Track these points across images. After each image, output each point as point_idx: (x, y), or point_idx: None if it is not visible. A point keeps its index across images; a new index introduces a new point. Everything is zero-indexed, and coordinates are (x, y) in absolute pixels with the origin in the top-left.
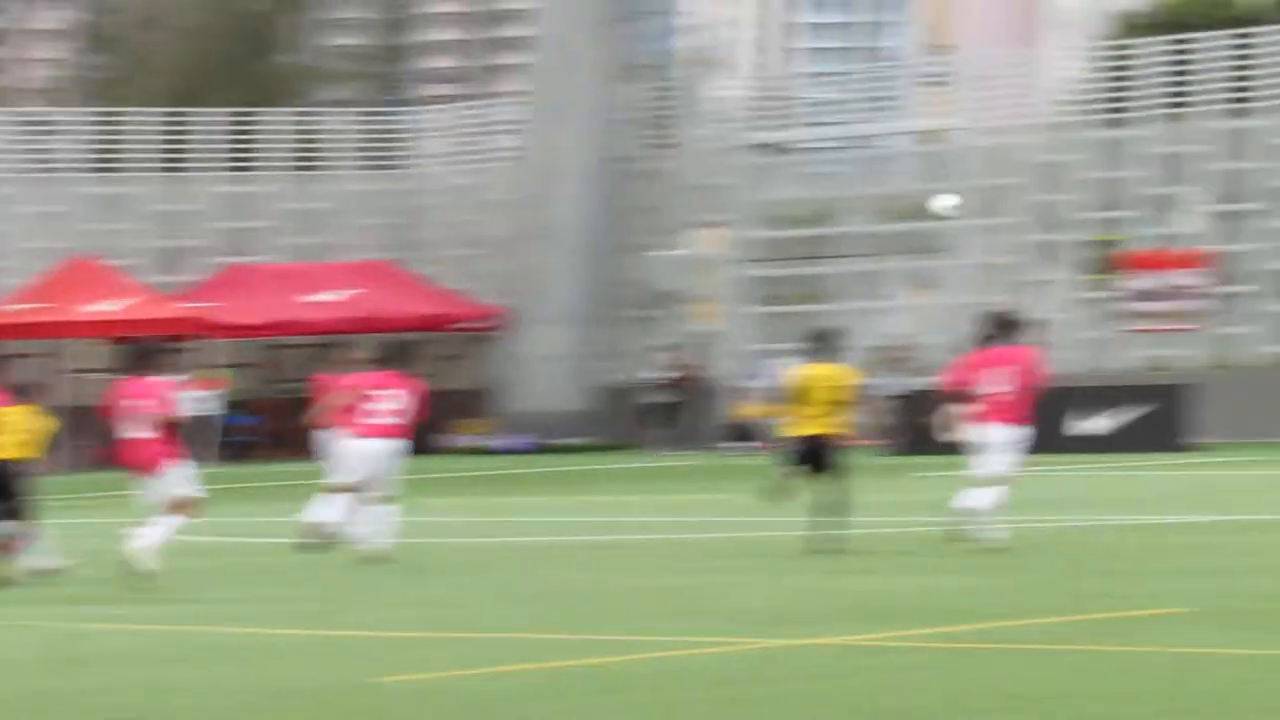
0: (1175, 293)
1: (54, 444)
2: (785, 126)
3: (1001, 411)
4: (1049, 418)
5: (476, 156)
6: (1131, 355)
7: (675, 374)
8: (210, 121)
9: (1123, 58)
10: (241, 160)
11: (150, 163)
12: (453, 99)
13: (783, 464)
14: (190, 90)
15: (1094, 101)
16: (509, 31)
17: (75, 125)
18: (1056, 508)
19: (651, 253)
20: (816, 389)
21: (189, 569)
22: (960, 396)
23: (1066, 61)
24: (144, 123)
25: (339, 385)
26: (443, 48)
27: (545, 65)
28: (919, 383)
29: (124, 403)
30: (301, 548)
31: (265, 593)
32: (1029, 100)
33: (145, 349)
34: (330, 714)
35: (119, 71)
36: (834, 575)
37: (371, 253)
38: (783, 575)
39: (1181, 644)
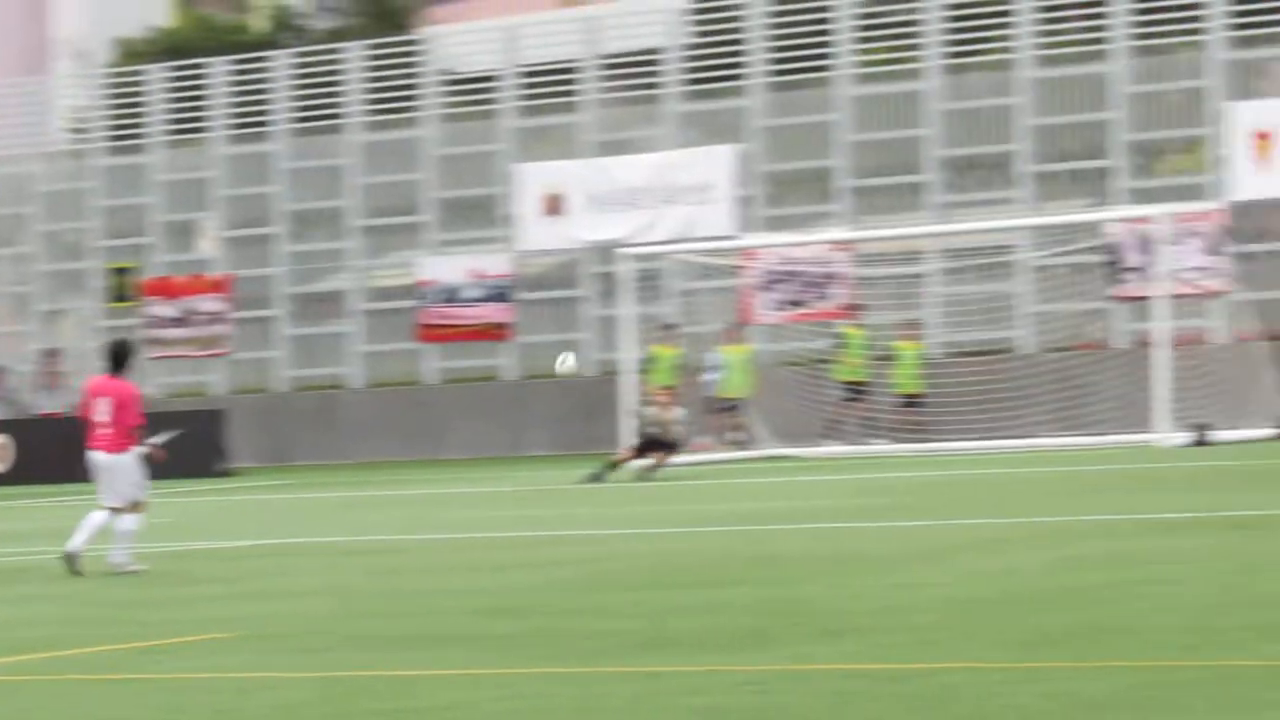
0: (197, 318)
1: None
2: None
3: (104, 441)
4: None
5: None
6: (162, 382)
7: None
8: None
9: (131, 85)
10: None
11: None
12: None
13: None
14: None
15: (104, 129)
16: None
17: None
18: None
19: None
20: None
21: None
22: (90, 424)
23: (76, 89)
24: None
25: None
26: None
27: None
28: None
29: None
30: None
31: None
32: (40, 128)
33: None
34: None
35: None
36: None
37: None
38: None
39: (220, 669)
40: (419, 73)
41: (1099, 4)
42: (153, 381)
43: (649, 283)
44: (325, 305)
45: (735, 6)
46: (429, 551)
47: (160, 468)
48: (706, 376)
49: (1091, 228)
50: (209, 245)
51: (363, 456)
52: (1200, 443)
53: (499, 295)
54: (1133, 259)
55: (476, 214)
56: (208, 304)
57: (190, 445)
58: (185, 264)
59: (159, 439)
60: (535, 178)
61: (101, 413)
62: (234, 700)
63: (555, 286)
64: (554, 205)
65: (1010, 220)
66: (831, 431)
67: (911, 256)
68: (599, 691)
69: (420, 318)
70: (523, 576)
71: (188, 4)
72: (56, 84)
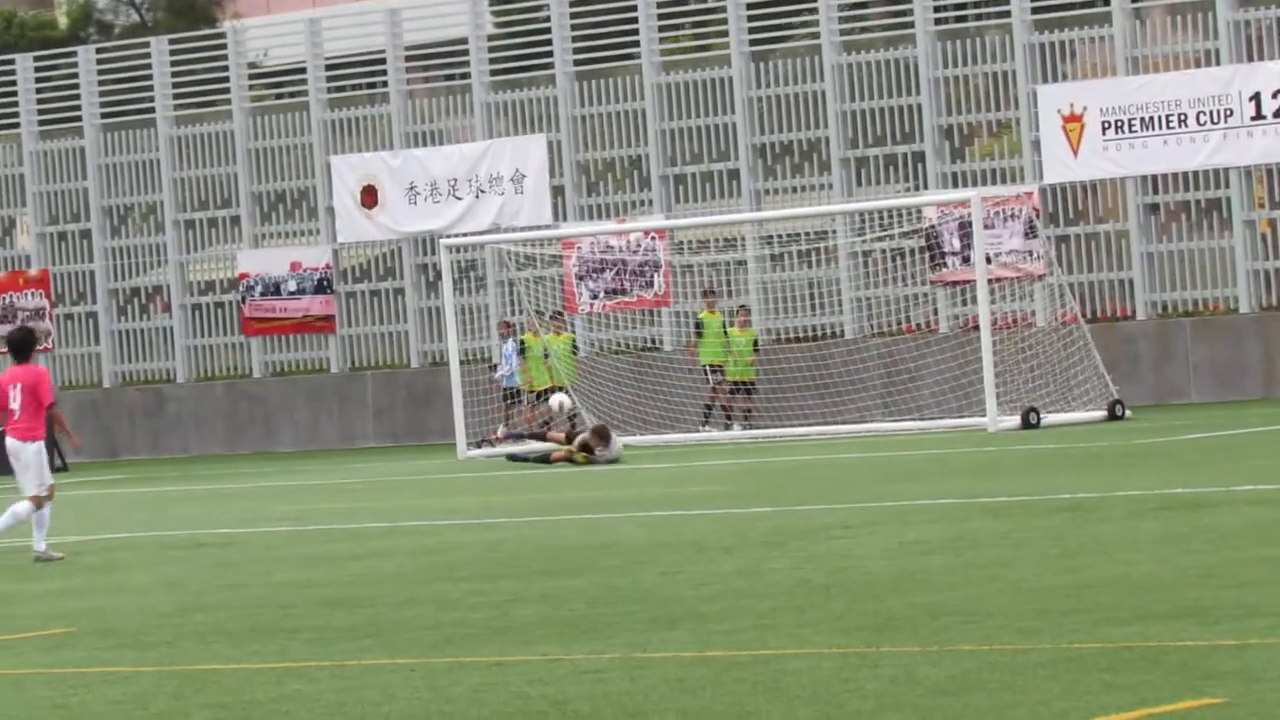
0: (18, 315)
1: None
2: None
3: (16, 428)
4: None
5: None
6: None
7: None
8: None
9: None
10: None
11: None
12: None
13: None
14: None
15: None
16: None
17: None
18: None
19: None
20: None
21: None
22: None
23: None
24: None
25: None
26: None
27: None
28: None
29: None
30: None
31: None
32: None
33: None
34: None
35: None
36: None
37: None
38: None
39: (61, 664)
40: (225, 66)
41: None
42: None
43: (470, 273)
44: (146, 300)
45: None
46: (264, 544)
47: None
48: (502, 368)
49: (908, 212)
50: (26, 241)
51: (193, 450)
52: (1028, 425)
53: (320, 287)
54: (951, 243)
55: (293, 207)
56: (28, 300)
57: None
58: (3, 260)
59: None
60: (349, 170)
61: (14, 401)
62: (75, 695)
63: (376, 278)
64: (370, 197)
65: (826, 206)
66: (710, 416)
67: (730, 243)
68: (440, 683)
69: (243, 311)
70: (361, 568)
71: None
72: None
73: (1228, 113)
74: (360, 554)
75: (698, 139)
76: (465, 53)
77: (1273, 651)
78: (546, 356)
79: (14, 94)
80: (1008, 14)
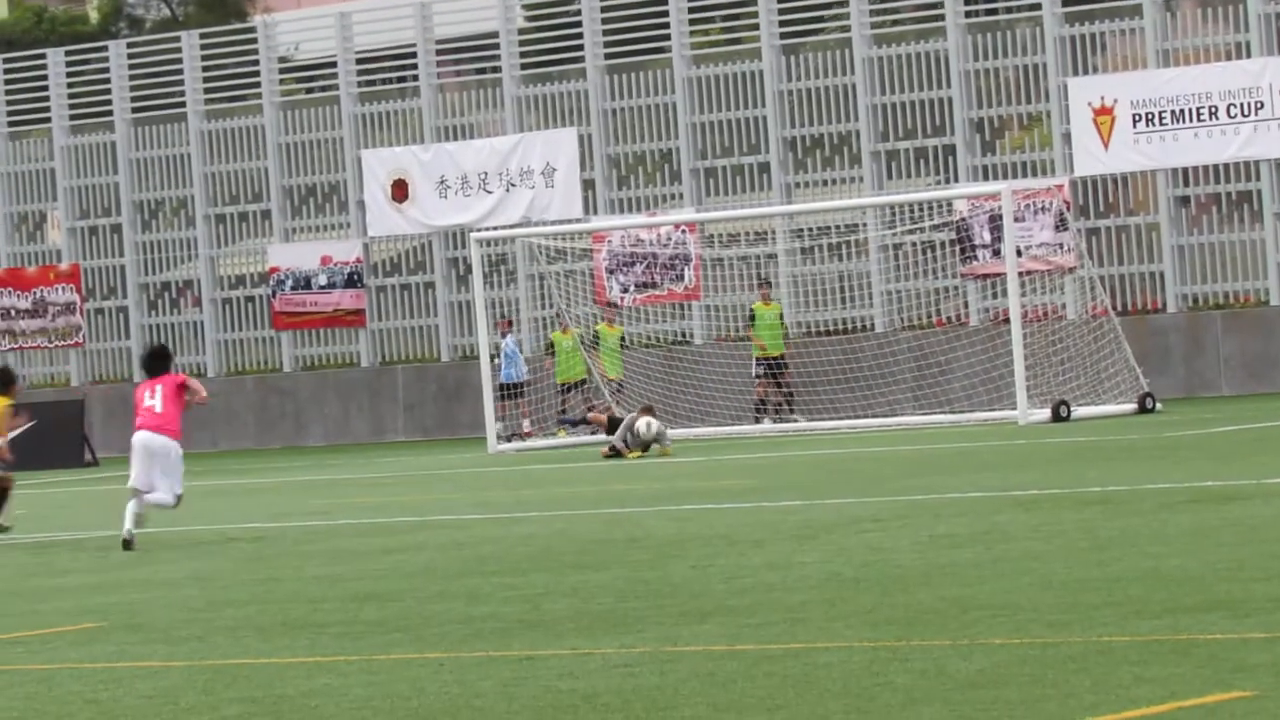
0: (50, 309)
1: None
2: None
3: (150, 422)
4: None
5: None
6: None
7: None
8: None
9: None
10: None
11: None
12: None
13: None
14: None
15: None
16: None
17: None
18: None
19: None
20: None
21: None
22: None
23: None
24: None
25: None
26: None
27: None
28: None
29: None
30: None
31: None
32: None
33: None
34: None
35: None
36: None
37: None
38: None
39: (92, 659)
40: (255, 60)
41: None
42: None
43: (500, 267)
44: (177, 294)
45: None
46: (295, 539)
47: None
48: (503, 365)
49: (939, 205)
50: (57, 236)
51: (223, 445)
52: (1059, 418)
53: (351, 281)
54: (982, 236)
55: (324, 201)
56: (59, 295)
57: (53, 436)
58: (34, 255)
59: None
60: (379, 164)
61: (151, 398)
62: (106, 690)
63: (406, 272)
64: (400, 191)
65: (857, 199)
66: (760, 411)
67: (761, 236)
68: (470, 677)
69: (273, 305)
70: (391, 562)
71: None
72: None
73: (1258, 105)
74: (390, 548)
75: (728, 132)
76: (496, 46)
77: None
78: (596, 344)
79: (45, 89)
80: (1038, 7)
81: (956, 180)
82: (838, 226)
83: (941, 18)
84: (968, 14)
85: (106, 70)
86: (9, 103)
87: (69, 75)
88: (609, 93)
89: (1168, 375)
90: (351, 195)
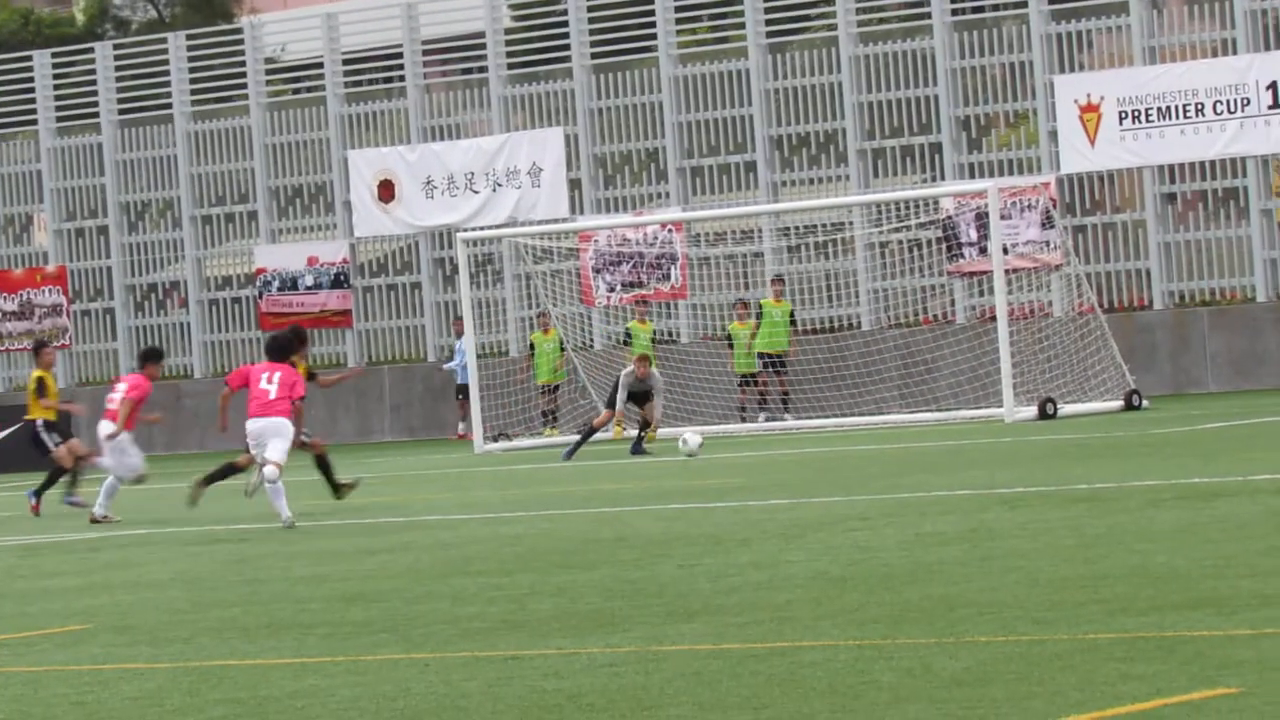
0: (36, 311)
1: None
2: None
3: (269, 407)
4: None
5: None
6: (3, 375)
7: None
8: None
9: None
10: None
11: None
12: None
13: None
14: None
15: None
16: None
17: None
18: None
19: None
20: None
21: None
22: None
23: None
24: None
25: None
26: None
27: None
28: None
29: None
30: None
31: None
32: None
33: None
34: None
35: None
36: None
37: None
38: None
39: (78, 661)
40: (242, 61)
41: None
42: None
43: (486, 266)
44: (163, 295)
45: None
46: (282, 540)
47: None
48: (452, 364)
49: (925, 203)
50: (44, 238)
51: (210, 446)
52: (1045, 416)
53: (337, 282)
54: (968, 234)
55: (310, 201)
56: (45, 297)
57: (24, 440)
58: (20, 257)
59: None
60: (366, 164)
61: (266, 382)
62: (92, 692)
63: (393, 272)
64: (387, 191)
65: (843, 198)
66: (763, 407)
67: (747, 235)
68: (455, 677)
69: (260, 306)
70: (378, 563)
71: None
72: None
73: (1244, 102)
74: (377, 549)
75: (715, 131)
76: (482, 46)
77: None
78: (628, 341)
79: (31, 91)
80: (1025, 4)
81: (943, 178)
82: (824, 225)
83: (928, 15)
84: (954, 12)
85: (93, 72)
86: None
87: (55, 77)
88: (595, 92)
89: (1154, 372)
90: (338, 196)
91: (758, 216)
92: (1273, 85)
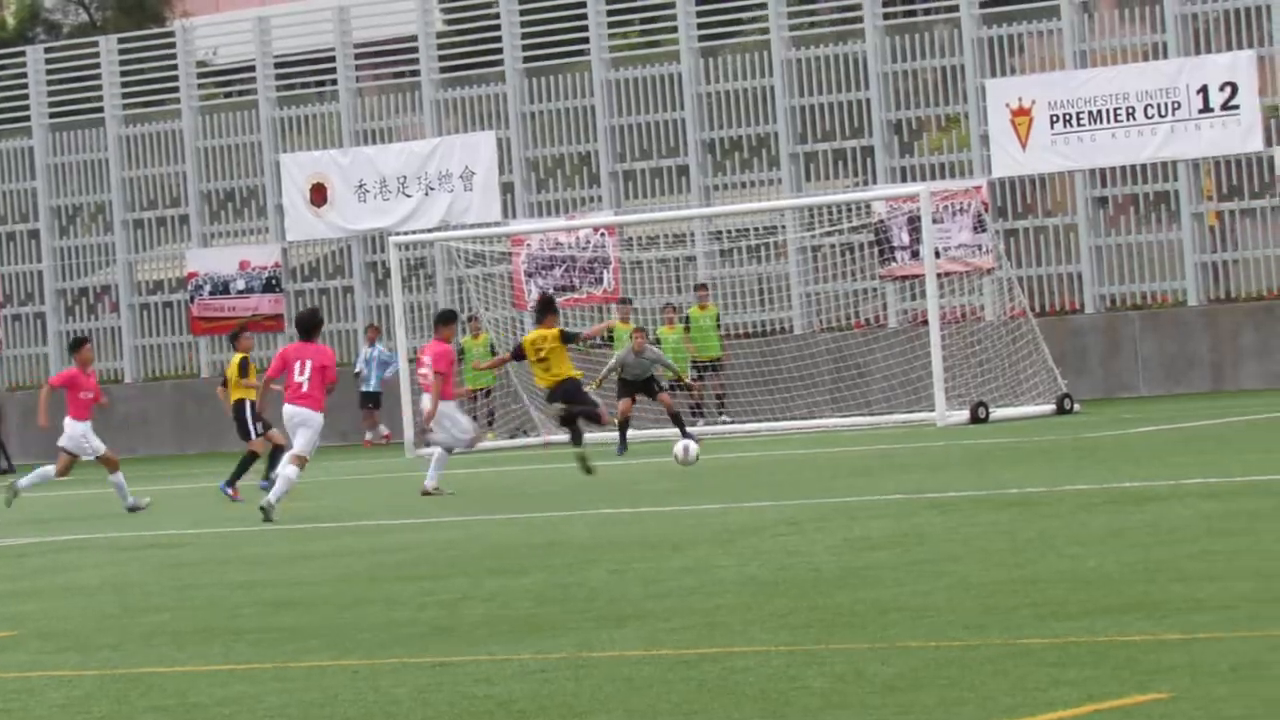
0: None
1: None
2: None
3: (304, 398)
4: None
5: None
6: None
7: None
8: None
9: None
10: None
11: None
12: None
13: None
14: None
15: None
16: None
17: None
18: None
19: None
20: None
21: None
22: None
23: None
24: None
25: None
26: None
27: None
28: None
29: None
30: None
31: None
32: None
33: None
34: None
35: None
36: None
37: None
38: None
39: (5, 668)
40: (174, 65)
41: None
42: None
43: (419, 271)
44: (94, 300)
45: None
46: (212, 545)
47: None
48: (363, 369)
49: (857, 207)
50: None
51: (141, 451)
52: (977, 420)
53: (269, 286)
54: (900, 237)
55: (242, 205)
56: None
57: None
58: None
59: None
60: (298, 168)
61: (300, 374)
62: (18, 700)
63: (325, 276)
64: (319, 195)
65: (775, 201)
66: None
67: (680, 239)
68: (384, 684)
69: (192, 310)
70: (309, 569)
71: None
72: None
73: (1175, 105)
74: (309, 554)
75: (647, 135)
76: (414, 50)
77: (1219, 646)
78: (688, 327)
79: None
80: (956, 8)
81: (875, 182)
82: (756, 229)
83: (860, 19)
84: (886, 15)
85: (24, 75)
86: None
87: None
88: (528, 95)
89: (1086, 376)
90: (270, 199)
91: (690, 220)
92: (1203, 89)
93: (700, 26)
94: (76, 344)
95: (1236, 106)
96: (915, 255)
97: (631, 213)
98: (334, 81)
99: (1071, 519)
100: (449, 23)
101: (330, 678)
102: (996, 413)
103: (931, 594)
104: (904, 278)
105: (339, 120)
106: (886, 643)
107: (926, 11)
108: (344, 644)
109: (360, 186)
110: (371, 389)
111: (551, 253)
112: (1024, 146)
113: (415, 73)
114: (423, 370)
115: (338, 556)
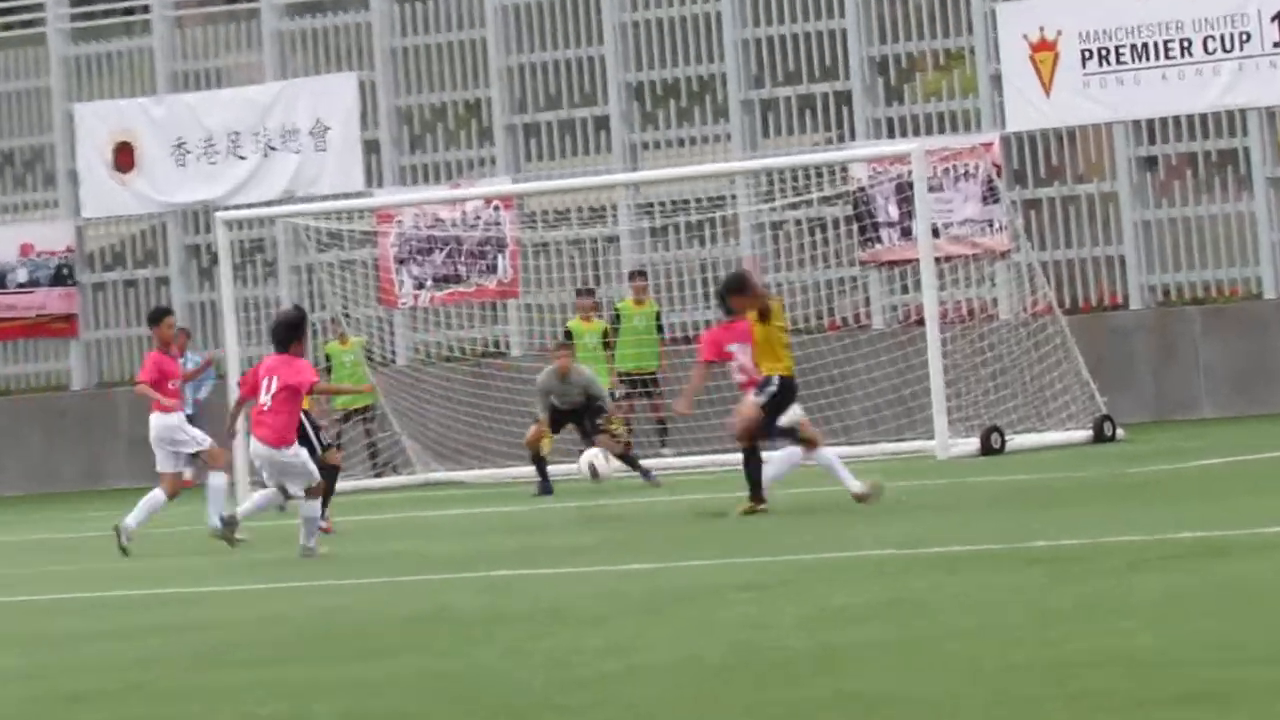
0: None
1: None
2: None
3: (265, 428)
4: None
5: None
6: None
7: None
8: None
9: None
10: None
11: None
12: None
13: None
14: None
15: None
16: None
17: None
18: None
19: None
20: None
21: None
22: None
23: None
24: None
25: None
26: None
27: None
28: None
29: None
30: None
31: None
32: None
33: None
34: None
35: None
36: None
37: None
38: None
39: None
40: None
41: None
42: None
43: (256, 257)
44: None
45: None
46: None
47: None
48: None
49: (830, 171)
50: None
51: None
52: (990, 450)
53: (59, 278)
54: (887, 211)
55: (24, 171)
56: None
57: None
58: None
59: None
60: (98, 121)
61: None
62: None
63: (133, 264)
64: (125, 157)
65: (723, 164)
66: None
67: (598, 214)
68: None
69: None
70: (114, 650)
71: None
72: None
73: (1245, 37)
74: (108, 631)
75: (555, 77)
76: None
77: None
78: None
79: None
80: None
81: (853, 138)
82: (699, 200)
83: None
84: None
85: None
86: None
87: None
88: (398, 26)
89: (1132, 392)
90: (61, 163)
91: (612, 189)
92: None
93: None
94: (157, 316)
95: None
96: (906, 234)
97: (534, 179)
98: (145, 9)
99: (1116, 581)
100: None
101: None
102: (1015, 441)
103: (933, 682)
104: (892, 264)
105: (152, 59)
106: None
107: None
108: None
109: (179, 146)
110: (186, 412)
111: (430, 232)
112: (1047, 91)
113: None
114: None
115: (147, 634)
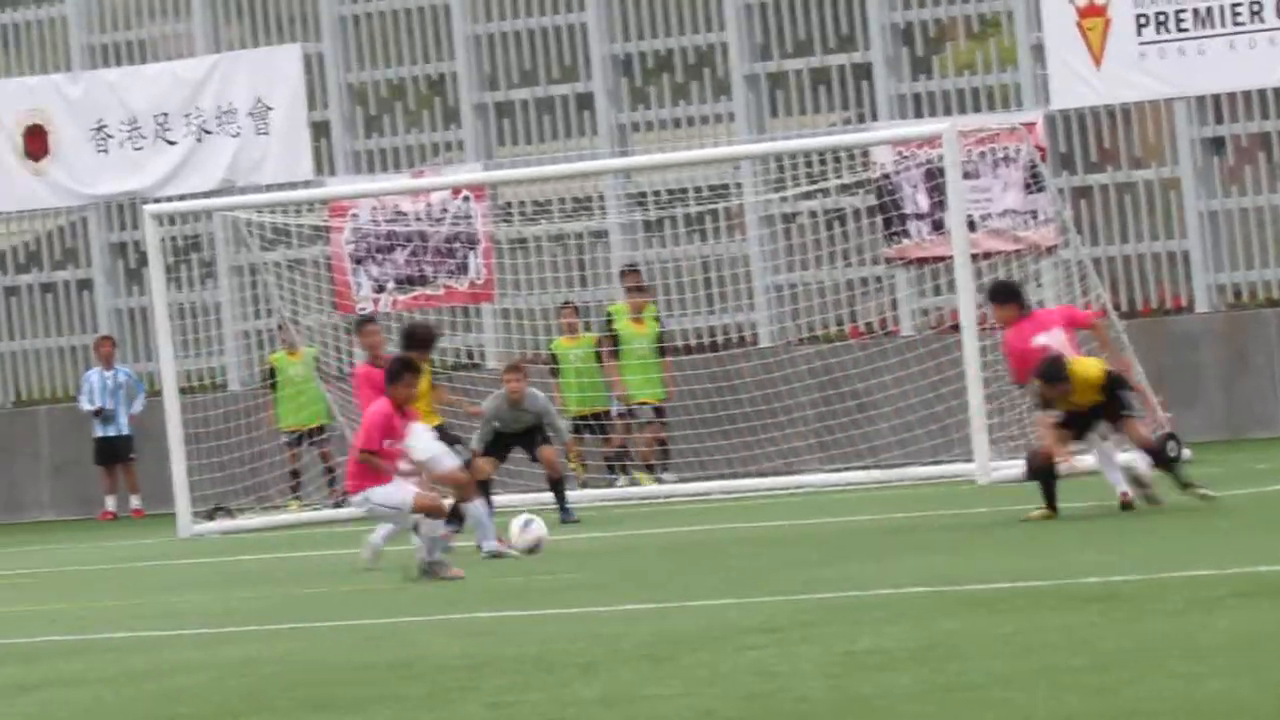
0: None
1: None
2: None
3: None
4: None
5: None
6: None
7: None
8: None
9: None
10: None
11: None
12: None
13: None
14: None
15: None
16: None
17: None
18: None
19: None
20: None
21: None
22: None
23: None
24: None
25: None
26: None
27: None
28: None
29: None
30: None
31: None
32: None
33: None
34: None
35: None
36: None
37: None
38: None
39: None
40: None
41: None
42: None
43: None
44: None
45: None
46: None
47: None
48: (86, 404)
49: (849, 156)
50: None
51: None
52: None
53: None
54: (915, 201)
55: None
56: None
57: None
58: None
59: None
60: (6, 101)
61: None
62: None
63: (49, 266)
64: (37, 143)
65: (726, 148)
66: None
67: (583, 205)
68: None
69: None
70: (37, 704)
71: None
72: None
73: None
74: (34, 682)
75: (530, 49)
76: None
77: None
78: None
79: None
80: None
81: (875, 118)
82: (698, 189)
83: None
84: None
85: None
86: None
87: None
88: None
89: (1199, 406)
90: None
91: (598, 177)
92: None
93: None
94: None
95: None
96: (938, 228)
97: (508, 166)
98: None
99: (1182, 620)
100: None
101: None
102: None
103: None
104: (922, 261)
105: (66, 29)
106: None
107: None
108: None
109: (99, 130)
110: (115, 433)
111: (390, 227)
112: (1098, 63)
113: None
114: None
115: (79, 686)
